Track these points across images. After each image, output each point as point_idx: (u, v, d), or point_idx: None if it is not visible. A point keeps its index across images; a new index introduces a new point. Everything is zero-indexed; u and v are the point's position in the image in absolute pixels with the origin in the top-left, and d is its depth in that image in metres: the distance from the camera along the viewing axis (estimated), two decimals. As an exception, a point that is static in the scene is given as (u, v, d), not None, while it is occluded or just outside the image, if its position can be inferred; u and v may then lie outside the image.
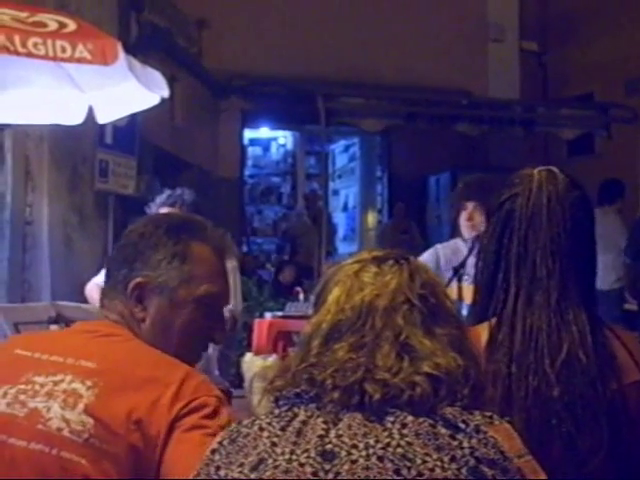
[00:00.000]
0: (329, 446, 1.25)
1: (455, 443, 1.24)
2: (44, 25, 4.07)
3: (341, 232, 14.01)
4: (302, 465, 1.23)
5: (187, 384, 1.63)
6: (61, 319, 3.46)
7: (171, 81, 5.93)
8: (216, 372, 4.47)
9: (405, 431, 1.25)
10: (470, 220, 4.18)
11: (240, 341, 6.10)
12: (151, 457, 1.57)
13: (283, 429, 1.29)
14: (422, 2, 11.62)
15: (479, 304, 1.98)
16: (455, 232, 4.36)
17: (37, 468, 1.58)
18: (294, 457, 1.25)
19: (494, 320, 1.87)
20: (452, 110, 10.34)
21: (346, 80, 10.79)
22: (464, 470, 1.22)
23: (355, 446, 1.24)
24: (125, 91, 4.40)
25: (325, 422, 1.28)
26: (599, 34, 11.30)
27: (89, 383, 1.62)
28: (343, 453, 1.23)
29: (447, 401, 1.30)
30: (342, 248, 13.22)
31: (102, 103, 4.61)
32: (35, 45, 3.88)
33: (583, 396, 1.77)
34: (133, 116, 5.59)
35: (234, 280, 4.65)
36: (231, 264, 4.66)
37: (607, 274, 7.84)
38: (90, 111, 4.61)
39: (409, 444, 1.23)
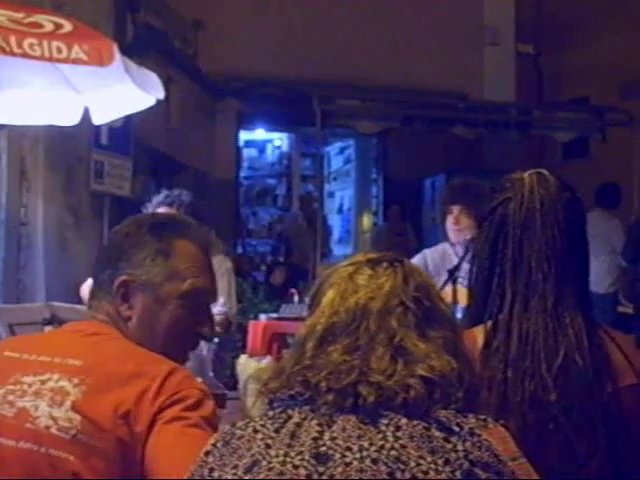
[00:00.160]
0: (323, 448, 1.25)
1: (449, 446, 1.24)
2: (40, 26, 4.06)
3: (336, 234, 13.99)
4: (296, 467, 1.23)
5: (171, 378, 1.63)
6: (56, 320, 3.45)
7: (167, 82, 5.91)
8: (210, 374, 4.46)
9: (399, 434, 1.25)
10: (457, 224, 4.18)
11: (235, 343, 6.09)
12: (137, 451, 1.58)
13: (277, 431, 1.29)
14: (418, 5, 11.61)
15: (474, 308, 1.98)
16: (444, 236, 4.36)
17: (26, 467, 1.59)
18: (288, 459, 1.25)
19: (490, 324, 1.87)
20: (448, 113, 10.33)
21: (342, 82, 10.79)
22: (458, 473, 1.22)
23: (349, 448, 1.24)
24: (121, 92, 4.40)
25: (319, 424, 1.28)
26: (595, 37, 11.31)
27: (76, 380, 1.63)
28: (337, 455, 1.23)
29: (441, 404, 1.30)
30: (337, 250, 13.21)
31: (98, 104, 4.61)
32: (31, 46, 3.87)
33: (580, 400, 1.77)
34: (129, 117, 5.58)
35: (229, 281, 4.65)
36: (226, 265, 4.68)
37: (603, 277, 7.87)
38: (86, 112, 4.61)
39: (403, 447, 1.24)
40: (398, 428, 1.26)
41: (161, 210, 4.28)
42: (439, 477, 1.21)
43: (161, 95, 4.52)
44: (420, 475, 1.21)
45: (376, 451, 1.23)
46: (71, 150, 6.40)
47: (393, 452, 1.23)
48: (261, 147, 14.30)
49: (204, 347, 3.71)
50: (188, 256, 1.84)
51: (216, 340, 3.58)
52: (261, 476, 1.24)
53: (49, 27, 4.08)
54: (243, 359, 3.42)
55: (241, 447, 1.29)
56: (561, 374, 1.78)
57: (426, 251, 4.41)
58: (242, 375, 3.19)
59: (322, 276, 1.47)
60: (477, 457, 1.24)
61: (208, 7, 10.20)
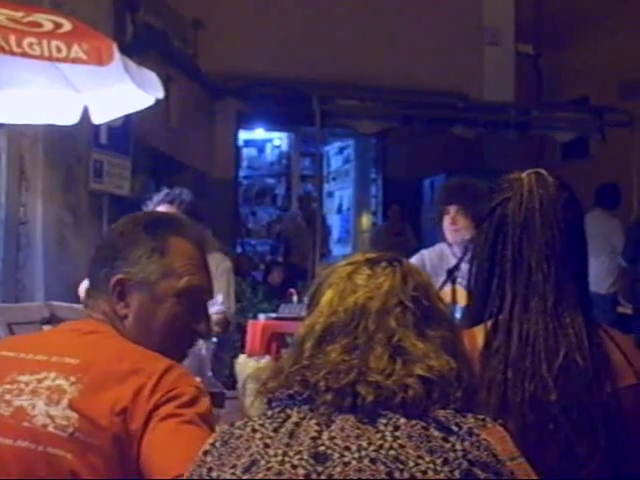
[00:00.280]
0: (322, 448, 1.25)
1: (448, 446, 1.24)
2: (39, 25, 4.06)
3: (335, 234, 13.99)
4: (295, 467, 1.23)
5: (167, 376, 1.63)
6: (55, 319, 3.45)
7: (166, 82, 5.91)
8: (209, 373, 4.46)
9: (398, 433, 1.25)
10: (453, 224, 4.17)
11: (234, 342, 6.08)
12: (133, 448, 1.58)
13: (276, 430, 1.29)
14: (418, 5, 11.61)
15: (473, 309, 1.97)
16: (443, 236, 4.36)
17: (24, 465, 1.59)
18: (287, 459, 1.24)
19: (490, 324, 1.86)
20: (447, 113, 10.32)
21: (342, 82, 10.78)
22: (457, 473, 1.22)
23: (348, 448, 1.24)
24: (120, 92, 4.40)
25: (318, 424, 1.28)
26: (595, 38, 11.31)
27: (73, 379, 1.64)
28: (336, 455, 1.23)
29: (440, 404, 1.30)
30: (336, 250, 13.21)
31: (97, 103, 4.61)
32: (30, 45, 3.87)
33: (580, 400, 1.76)
34: (128, 117, 5.58)
35: (228, 281, 4.65)
36: (225, 265, 4.68)
37: (604, 278, 7.87)
38: (85, 111, 4.61)
39: (402, 446, 1.23)
40: (397, 428, 1.26)
41: (161, 209, 4.28)
42: (438, 477, 1.21)
43: (160, 95, 4.52)
44: (419, 475, 1.21)
45: (375, 451, 1.23)
46: (70, 149, 6.39)
47: (392, 452, 1.23)
48: (260, 147, 14.30)
49: (203, 346, 3.70)
50: (184, 254, 1.84)
51: (215, 340, 3.57)
52: (260, 476, 1.24)
53: (48, 26, 4.08)
54: (242, 359, 3.42)
55: (240, 447, 1.29)
56: (562, 374, 1.78)
57: (424, 251, 4.41)
58: (241, 375, 3.19)
59: (321, 276, 1.47)
60: (476, 457, 1.24)
61: (208, 7, 10.19)
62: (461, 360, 1.36)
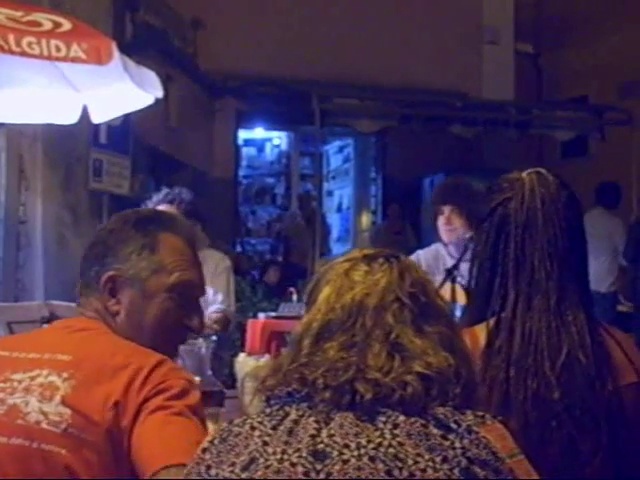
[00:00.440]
0: (321, 446, 1.24)
1: (447, 443, 1.24)
2: (39, 24, 4.06)
3: (335, 233, 13.99)
4: (294, 465, 1.23)
5: (158, 370, 1.64)
6: (54, 318, 3.44)
7: (166, 81, 5.92)
8: (209, 372, 4.46)
9: (397, 431, 1.25)
10: (448, 224, 4.17)
11: (233, 341, 6.08)
12: (124, 442, 1.59)
13: (274, 428, 1.29)
14: (417, 4, 11.62)
15: (475, 308, 1.98)
16: (439, 236, 4.35)
17: (20, 463, 1.60)
18: (285, 457, 1.24)
19: (492, 322, 1.86)
20: (447, 112, 10.34)
21: (341, 81, 10.79)
22: (456, 471, 1.21)
23: (347, 446, 1.24)
24: (120, 91, 4.40)
25: (317, 421, 1.28)
26: (594, 37, 11.31)
27: (65, 375, 1.64)
28: (335, 453, 1.23)
29: (439, 401, 1.29)
30: (336, 249, 13.20)
31: (96, 103, 4.60)
32: (29, 44, 3.87)
33: (583, 398, 1.77)
34: (127, 116, 5.58)
35: (227, 280, 4.65)
36: (225, 264, 4.68)
37: (605, 277, 7.87)
38: (84, 111, 4.60)
39: (401, 444, 1.23)
40: (396, 425, 1.26)
41: (161, 208, 4.28)
42: (437, 475, 1.21)
43: (160, 94, 4.52)
44: (418, 473, 1.20)
45: (374, 449, 1.23)
46: (70, 149, 6.39)
47: (391, 450, 1.22)
48: (260, 146, 14.30)
49: (203, 345, 3.70)
50: (174, 250, 1.84)
51: (214, 338, 3.57)
52: (258, 473, 1.24)
53: (48, 25, 4.07)
54: (242, 357, 3.42)
55: (238, 444, 1.29)
56: (564, 372, 1.78)
57: (419, 252, 4.41)
58: (240, 373, 3.19)
59: (319, 273, 1.47)
60: (475, 454, 1.23)
61: (207, 6, 10.20)
62: (460, 356, 1.36)
